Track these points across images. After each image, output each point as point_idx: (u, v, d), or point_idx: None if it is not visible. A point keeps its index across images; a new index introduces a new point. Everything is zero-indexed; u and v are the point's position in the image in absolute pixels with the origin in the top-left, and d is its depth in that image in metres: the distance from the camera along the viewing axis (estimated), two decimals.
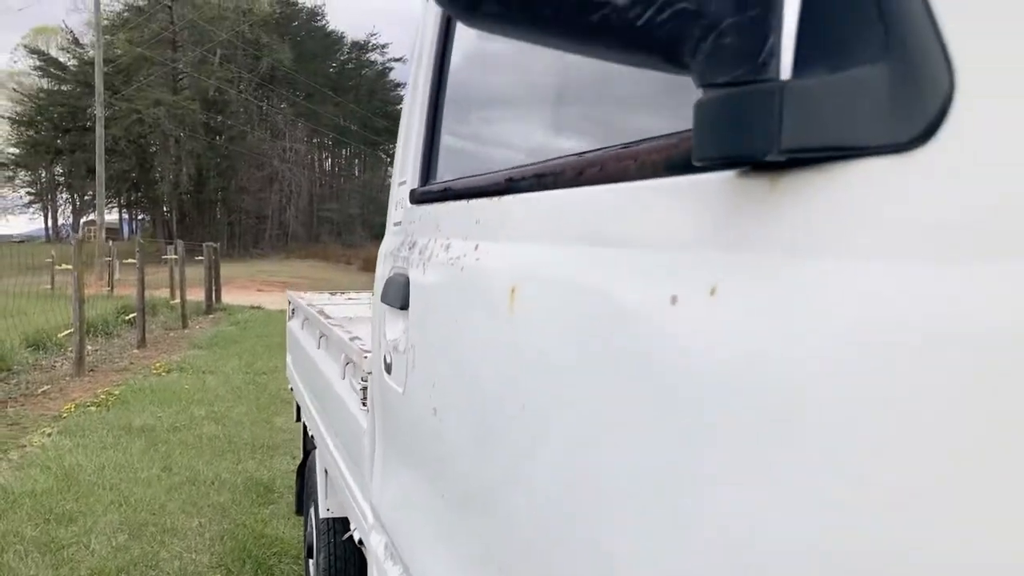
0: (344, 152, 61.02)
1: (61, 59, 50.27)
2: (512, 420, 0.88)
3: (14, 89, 51.47)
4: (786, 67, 0.48)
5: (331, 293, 4.20)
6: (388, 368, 1.49)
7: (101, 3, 29.73)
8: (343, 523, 2.58)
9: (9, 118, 50.55)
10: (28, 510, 4.17)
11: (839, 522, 0.42)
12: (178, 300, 14.18)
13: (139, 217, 55.53)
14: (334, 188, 59.30)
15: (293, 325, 3.78)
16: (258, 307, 17.17)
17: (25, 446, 5.52)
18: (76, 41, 48.86)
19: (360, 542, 1.85)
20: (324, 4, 56.23)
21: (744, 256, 0.52)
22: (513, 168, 0.96)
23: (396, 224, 1.56)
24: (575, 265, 0.76)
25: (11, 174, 53.70)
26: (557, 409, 0.78)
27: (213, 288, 17.05)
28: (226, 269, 25.12)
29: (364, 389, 1.79)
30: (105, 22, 38.78)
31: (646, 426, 0.62)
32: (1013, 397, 0.34)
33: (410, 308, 1.34)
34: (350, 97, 53.47)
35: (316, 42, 54.39)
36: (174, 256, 15.89)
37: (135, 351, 10.55)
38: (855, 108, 0.43)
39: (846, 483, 0.42)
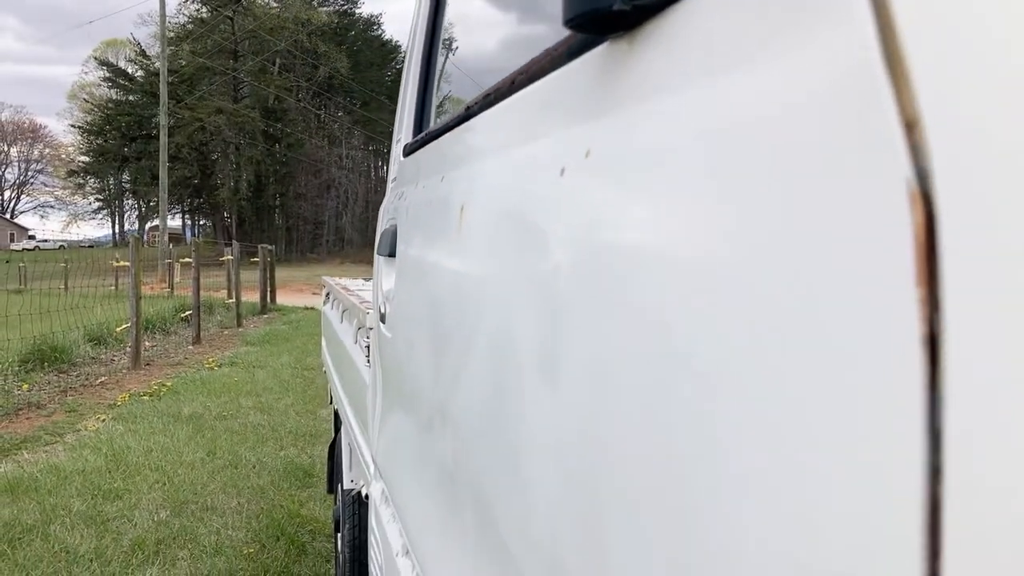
0: None
1: (129, 70, 52.09)
2: (459, 340, 0.92)
3: (84, 100, 53.47)
4: None
5: (364, 279, 4.29)
6: (383, 318, 1.54)
7: (167, 16, 30.70)
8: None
9: (80, 127, 52.55)
10: (78, 486, 4.35)
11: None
12: (233, 300, 14.55)
13: (200, 222, 57.06)
14: None
15: (326, 308, 3.88)
16: (311, 308, 17.49)
17: (80, 430, 5.75)
18: (143, 53, 50.58)
19: (366, 496, 1.91)
20: (381, 14, 57.18)
21: (609, 119, 0.56)
22: (472, 99, 1.00)
23: (392, 180, 1.62)
24: (502, 169, 0.80)
25: (81, 181, 55.80)
26: (495, 323, 0.82)
27: (268, 289, 17.43)
28: (282, 273, 25.69)
29: (368, 347, 1.85)
30: (170, 34, 40.08)
31: (558, 312, 0.66)
32: None
33: (397, 254, 1.39)
34: None
35: (372, 51, 55.28)
36: (231, 257, 16.30)
37: (190, 347, 10.85)
38: None
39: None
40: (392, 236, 1.43)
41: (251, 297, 16.22)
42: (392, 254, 1.43)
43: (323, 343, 4.07)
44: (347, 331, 2.71)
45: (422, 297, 1.13)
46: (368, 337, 1.88)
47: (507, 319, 0.78)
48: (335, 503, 3.41)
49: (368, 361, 1.87)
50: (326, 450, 5.25)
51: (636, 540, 0.52)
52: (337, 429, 3.54)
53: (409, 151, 1.46)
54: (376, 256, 1.61)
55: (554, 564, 0.66)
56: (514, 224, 0.74)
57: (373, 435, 1.73)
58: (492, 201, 0.82)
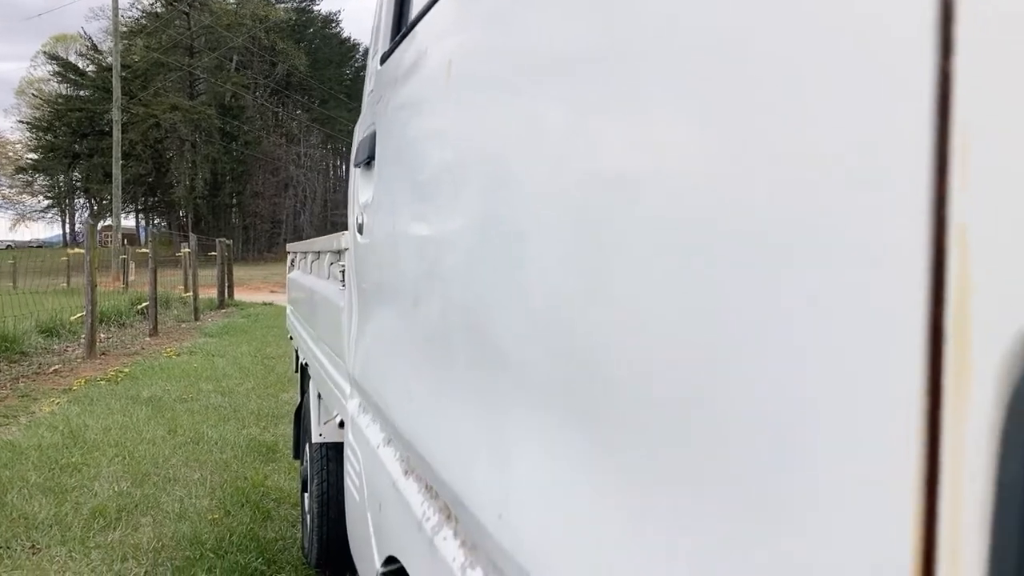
0: None
1: (80, 65, 50.92)
2: (450, 191, 0.93)
3: (33, 95, 52.17)
4: None
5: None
6: (360, 229, 1.55)
7: (119, 9, 30.10)
8: (334, 448, 2.65)
9: (28, 123, 51.22)
10: (34, 460, 4.26)
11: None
12: (190, 293, 14.33)
13: (155, 221, 55.99)
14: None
15: (292, 275, 3.86)
16: (270, 304, 17.30)
17: (35, 412, 5.63)
18: (94, 47, 49.48)
19: (341, 423, 1.91)
20: (340, 11, 56.76)
21: None
22: None
23: (369, 93, 1.62)
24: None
25: (30, 179, 54.30)
26: (489, 161, 0.83)
27: (226, 284, 17.19)
28: (240, 271, 25.35)
29: (343, 271, 1.85)
30: (123, 28, 39.28)
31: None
32: None
33: (376, 155, 1.40)
34: None
35: (331, 48, 54.84)
36: (187, 251, 16.05)
37: (147, 339, 10.67)
38: None
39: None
40: (371, 140, 1.44)
41: (208, 294, 15.98)
42: (370, 160, 1.43)
43: (288, 310, 4.05)
44: (316, 280, 2.70)
45: (406, 174, 1.13)
46: (343, 262, 1.89)
47: (501, 153, 0.79)
48: (302, 464, 3.39)
49: (343, 285, 1.87)
50: (290, 429, 5.20)
51: (625, 345, 0.54)
52: (303, 392, 3.52)
53: (387, 56, 1.46)
54: (352, 170, 1.62)
55: (549, 382, 0.67)
56: (506, 47, 0.75)
57: (349, 355, 1.74)
58: (481, 35, 0.83)
